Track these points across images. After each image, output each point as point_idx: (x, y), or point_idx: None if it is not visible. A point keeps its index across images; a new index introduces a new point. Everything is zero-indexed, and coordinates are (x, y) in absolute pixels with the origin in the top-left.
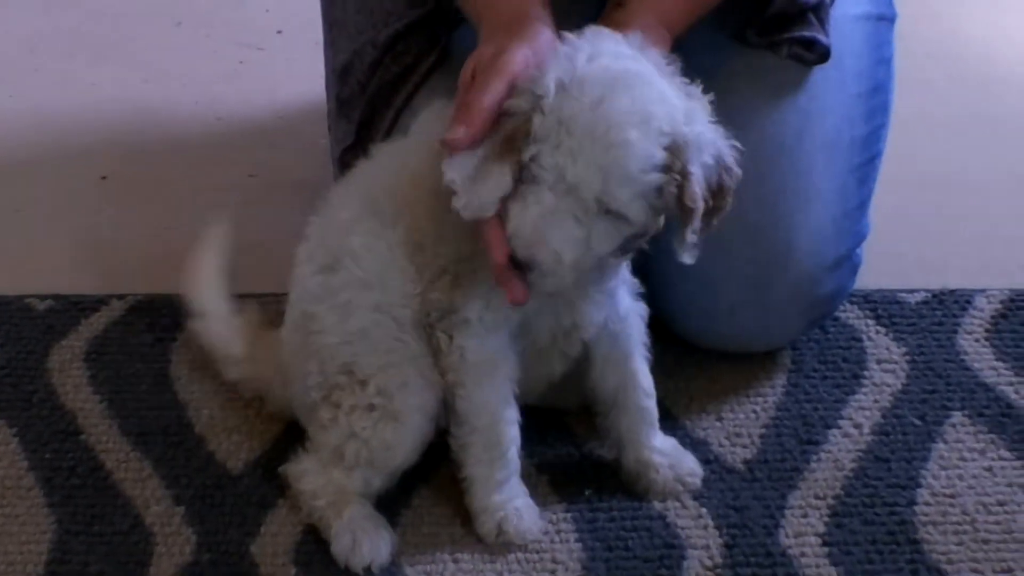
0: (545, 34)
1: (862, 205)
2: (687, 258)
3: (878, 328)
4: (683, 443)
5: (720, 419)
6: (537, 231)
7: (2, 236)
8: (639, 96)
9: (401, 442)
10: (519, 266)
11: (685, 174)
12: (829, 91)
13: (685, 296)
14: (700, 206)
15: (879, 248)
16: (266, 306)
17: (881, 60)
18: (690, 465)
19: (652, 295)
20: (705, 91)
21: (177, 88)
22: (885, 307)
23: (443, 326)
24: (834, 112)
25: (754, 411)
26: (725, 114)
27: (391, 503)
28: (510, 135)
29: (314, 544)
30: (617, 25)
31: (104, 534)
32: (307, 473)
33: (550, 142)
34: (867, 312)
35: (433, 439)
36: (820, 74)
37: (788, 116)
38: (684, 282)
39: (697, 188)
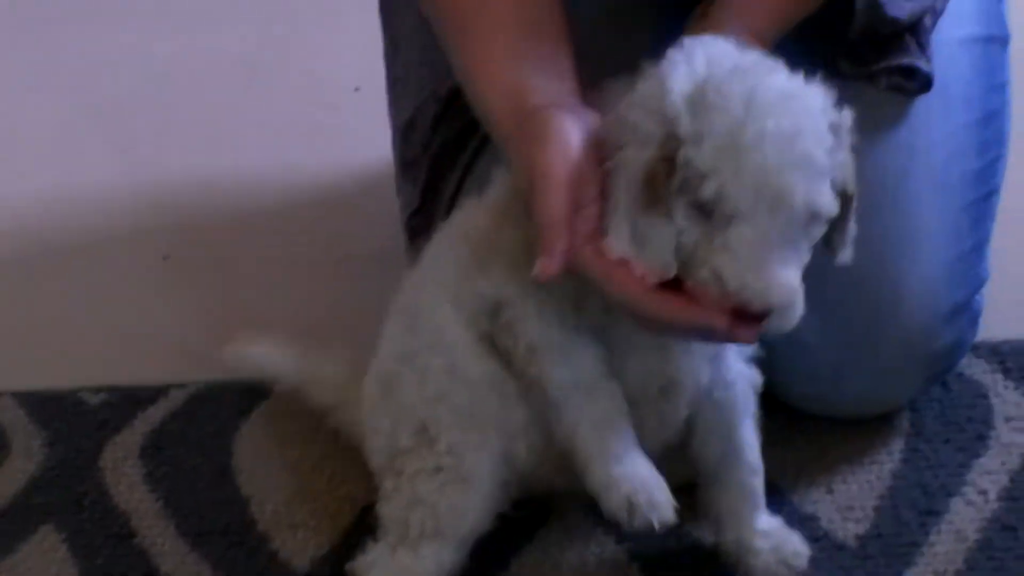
0: (560, 120)
1: (979, 246)
2: (846, 255)
3: (1007, 383)
4: (790, 519)
5: (831, 491)
6: (765, 273)
7: (55, 325)
8: (781, 80)
9: (471, 505)
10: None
11: (846, 156)
12: (934, 123)
13: (786, 360)
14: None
15: (1007, 293)
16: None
17: (993, 86)
18: (795, 545)
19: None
20: None
21: (245, 156)
22: (1015, 359)
23: (505, 326)
24: (942, 146)
25: (868, 481)
26: None
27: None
28: (649, 181)
29: None
30: (717, 21)
31: None
32: (374, 565)
33: (725, 170)
34: (994, 365)
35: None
36: (923, 105)
37: (890, 153)
38: (779, 345)
39: (852, 172)
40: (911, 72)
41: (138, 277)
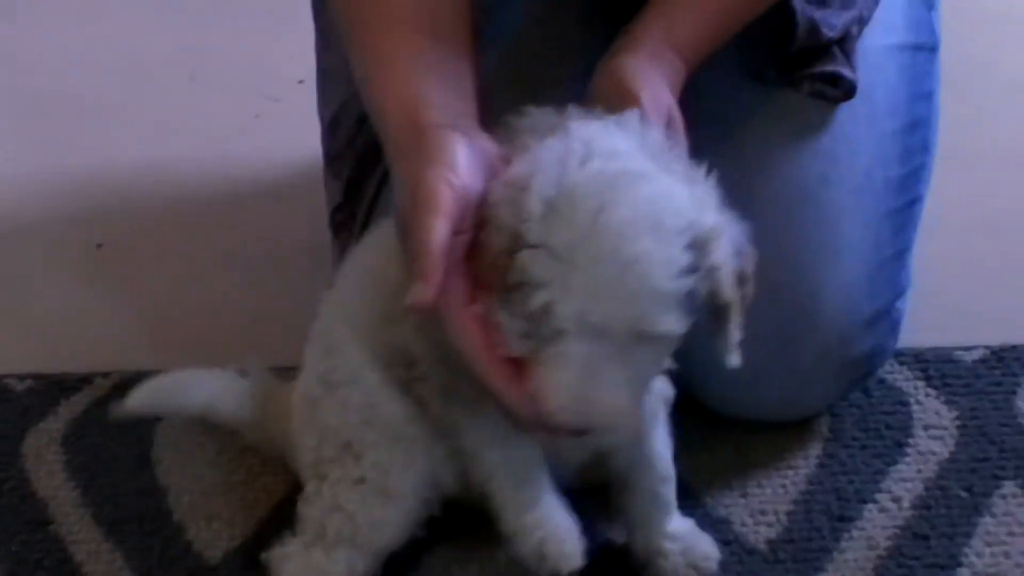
0: (453, 143)
1: (900, 255)
2: (735, 359)
3: (928, 390)
4: (702, 522)
5: (745, 495)
6: (583, 397)
7: None
8: (642, 197)
9: (391, 521)
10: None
11: (714, 269)
12: (858, 130)
13: (702, 362)
14: (738, 299)
15: (934, 301)
16: (281, 375)
17: (920, 94)
18: (704, 548)
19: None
20: (718, 136)
21: (186, 146)
22: (938, 367)
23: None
24: (864, 152)
25: (783, 486)
26: (741, 159)
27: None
28: (492, 269)
29: None
30: (626, 57)
31: None
32: (288, 558)
33: (555, 285)
34: (917, 373)
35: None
36: (847, 112)
37: (811, 159)
38: (700, 351)
39: (728, 280)
40: (835, 79)
41: (71, 265)
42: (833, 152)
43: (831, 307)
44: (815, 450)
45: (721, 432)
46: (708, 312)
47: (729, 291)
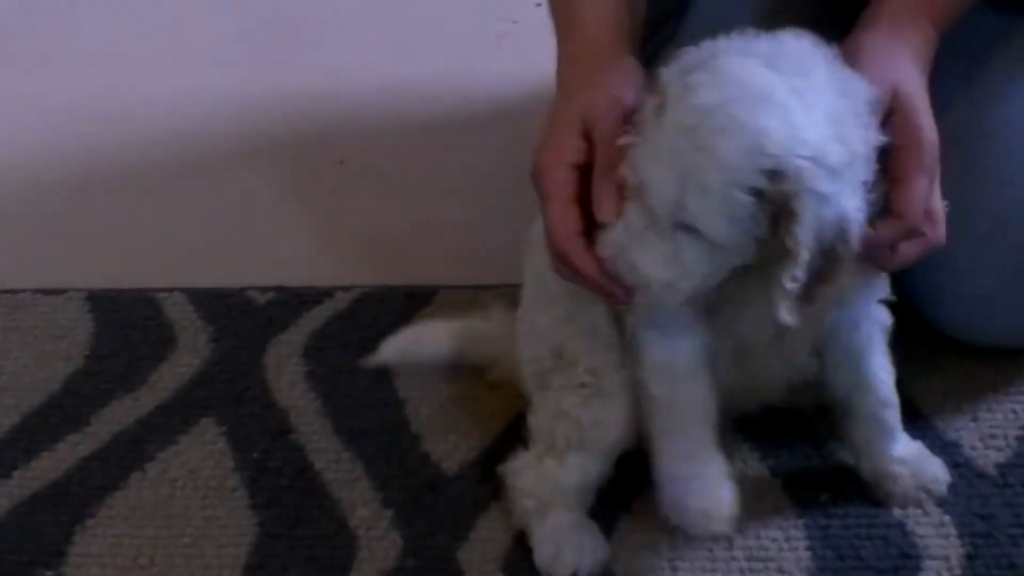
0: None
1: None
2: (784, 314)
3: None
4: (932, 445)
5: (975, 419)
6: (621, 255)
7: (229, 226)
8: (750, 104)
9: (612, 418)
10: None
11: (788, 211)
12: None
13: (936, 289)
14: (804, 254)
15: None
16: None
17: None
18: (934, 471)
19: (903, 288)
20: (960, 67)
21: (428, 66)
22: None
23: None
24: None
25: (1013, 411)
26: (974, 87)
27: (610, 507)
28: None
29: (524, 551)
30: (861, 34)
31: (307, 537)
32: (523, 469)
33: (642, 144)
34: None
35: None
36: None
37: None
38: (933, 274)
39: (802, 232)
40: None
41: (313, 182)
42: None
43: None
44: None
45: (953, 357)
46: (775, 248)
47: (794, 238)
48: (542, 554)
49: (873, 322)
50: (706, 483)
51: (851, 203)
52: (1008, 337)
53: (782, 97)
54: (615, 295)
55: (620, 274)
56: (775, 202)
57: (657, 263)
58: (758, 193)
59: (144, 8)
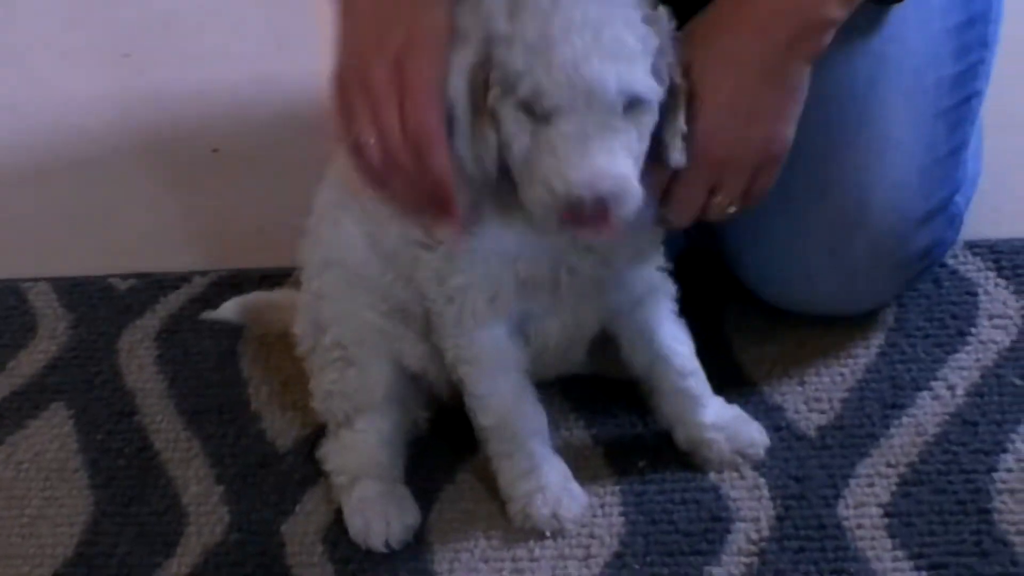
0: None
1: (956, 151)
2: (678, 156)
3: (998, 281)
4: (756, 410)
5: (802, 383)
6: (587, 166)
7: (100, 215)
8: None
9: (372, 380)
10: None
11: (664, 48)
12: (908, 31)
13: (759, 262)
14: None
15: (1006, 193)
16: None
17: None
18: (751, 435)
19: (728, 261)
20: None
21: (305, 56)
22: (1011, 257)
23: (436, 321)
24: (916, 54)
25: (840, 374)
26: None
27: (433, 478)
28: (473, 87)
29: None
30: None
31: (139, 515)
32: (330, 452)
33: (538, 69)
34: (989, 264)
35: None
36: (898, 14)
37: (858, 61)
38: (756, 247)
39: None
40: None
41: (186, 170)
42: (882, 54)
43: (881, 204)
44: (877, 339)
45: (784, 323)
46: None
47: (678, 74)
48: (353, 527)
49: (657, 294)
50: (551, 491)
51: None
52: (832, 307)
53: None
54: (450, 208)
55: (591, 190)
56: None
57: (616, 156)
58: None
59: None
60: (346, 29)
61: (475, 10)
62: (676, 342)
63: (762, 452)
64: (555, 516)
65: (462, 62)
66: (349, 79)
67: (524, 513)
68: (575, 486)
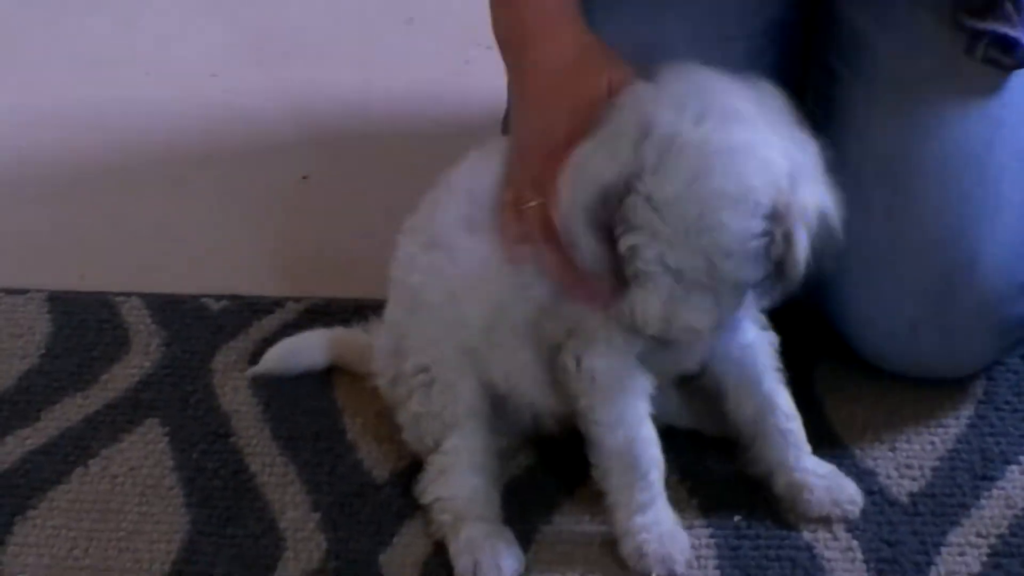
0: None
1: None
2: (763, 303)
3: None
4: (849, 473)
5: (893, 449)
6: (667, 317)
7: (191, 234)
8: (736, 172)
9: (458, 396)
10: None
11: (789, 239)
12: (1022, 98)
13: (864, 314)
14: (802, 269)
15: None
16: None
17: None
18: (850, 492)
19: (830, 313)
20: (892, 99)
21: (396, 88)
22: None
23: (571, 346)
24: None
25: (932, 443)
26: (910, 120)
27: (530, 518)
28: (603, 202)
29: (443, 556)
30: None
31: (236, 536)
32: (427, 483)
33: (647, 231)
34: None
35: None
36: (1017, 80)
37: (977, 125)
38: (861, 297)
39: (801, 253)
40: (1008, 46)
41: (276, 195)
42: (999, 118)
43: (990, 263)
44: (967, 410)
45: (876, 387)
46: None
47: (795, 263)
48: (460, 566)
49: (763, 340)
50: (666, 528)
51: (824, 196)
52: (931, 367)
53: (764, 149)
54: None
55: (663, 333)
56: (776, 235)
57: (703, 313)
58: (766, 233)
59: (129, 16)
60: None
61: (633, 108)
62: (780, 387)
63: (858, 510)
64: (669, 556)
65: (598, 173)
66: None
67: (639, 551)
68: (681, 531)
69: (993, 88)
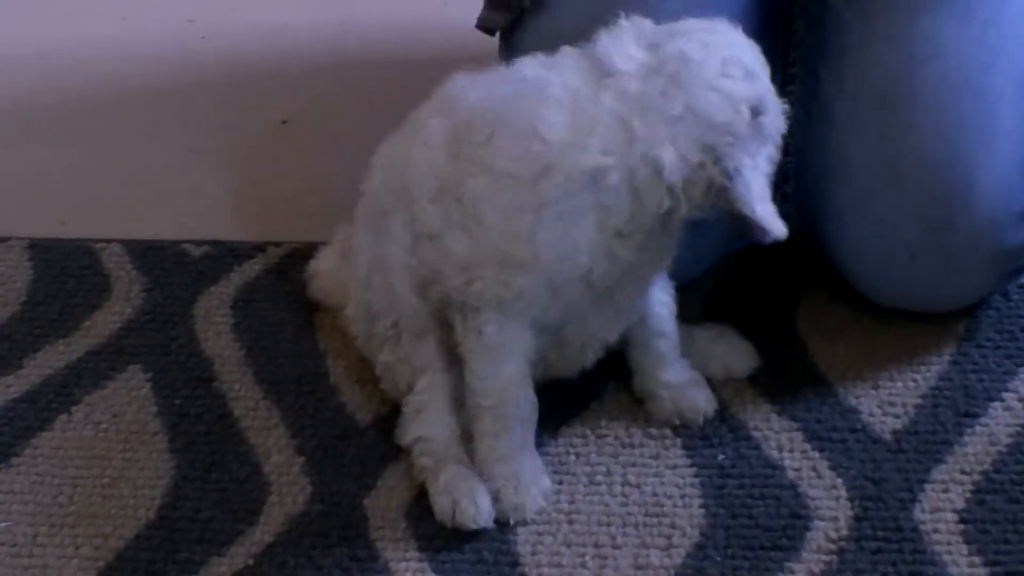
0: None
1: None
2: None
3: None
4: (832, 411)
5: (876, 387)
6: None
7: (169, 180)
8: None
9: (424, 344)
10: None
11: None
12: (1021, 27)
13: (861, 238)
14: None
15: None
16: None
17: None
18: (697, 402)
19: (826, 243)
20: (887, 26)
21: (374, 29)
22: None
23: (459, 304)
24: None
25: (914, 380)
26: (905, 47)
27: None
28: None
29: (427, 500)
30: None
31: (220, 481)
32: (401, 423)
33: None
34: None
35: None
36: (1013, 9)
37: (975, 47)
38: (859, 223)
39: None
40: None
41: (255, 140)
42: (997, 45)
43: (986, 190)
44: (949, 348)
45: (859, 326)
46: None
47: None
48: (440, 508)
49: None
50: (520, 483)
51: None
52: (928, 295)
53: None
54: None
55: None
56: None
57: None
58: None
59: None
60: None
61: None
62: (658, 304)
63: (701, 420)
64: (520, 506)
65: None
66: None
67: (495, 496)
68: (547, 480)
69: (991, 15)
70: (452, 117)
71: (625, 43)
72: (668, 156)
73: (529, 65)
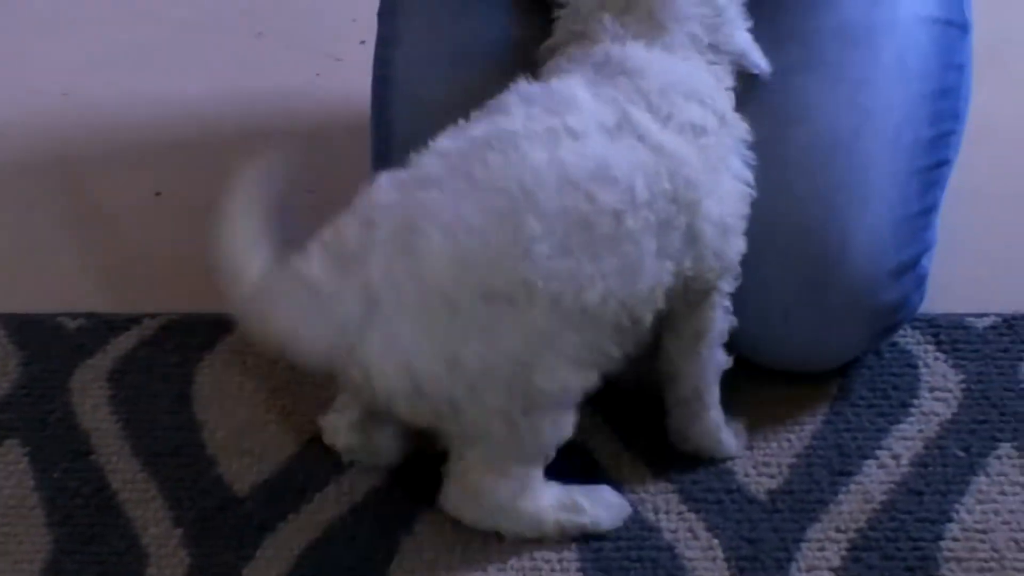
0: None
1: (927, 212)
2: None
3: (937, 354)
4: (708, 472)
5: (751, 448)
6: None
7: (45, 253)
8: None
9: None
10: None
11: None
12: (892, 88)
13: (737, 298)
14: None
15: (949, 268)
16: None
17: (950, 65)
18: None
19: None
20: (764, 82)
21: (247, 101)
22: (949, 332)
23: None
24: (897, 110)
25: (788, 440)
26: (775, 110)
27: (392, 529)
28: None
29: (307, 569)
30: None
31: (99, 554)
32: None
33: None
34: (928, 337)
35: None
36: (882, 72)
37: (846, 111)
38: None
39: None
40: None
41: (129, 212)
42: (867, 107)
43: (860, 250)
44: (823, 407)
45: (732, 389)
46: None
47: None
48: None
49: None
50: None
51: None
52: (805, 355)
53: None
54: None
55: None
56: None
57: None
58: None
59: None
60: None
61: None
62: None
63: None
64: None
65: None
66: None
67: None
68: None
69: (861, 76)
70: None
71: None
72: None
73: None
